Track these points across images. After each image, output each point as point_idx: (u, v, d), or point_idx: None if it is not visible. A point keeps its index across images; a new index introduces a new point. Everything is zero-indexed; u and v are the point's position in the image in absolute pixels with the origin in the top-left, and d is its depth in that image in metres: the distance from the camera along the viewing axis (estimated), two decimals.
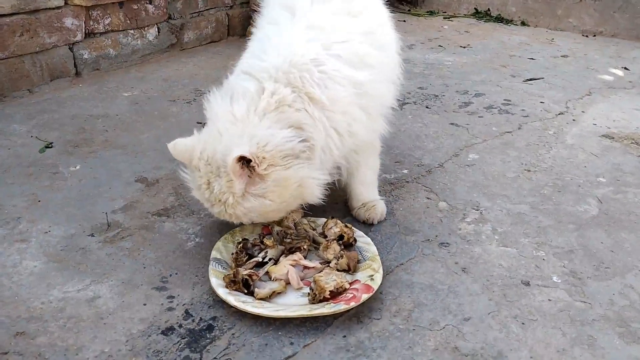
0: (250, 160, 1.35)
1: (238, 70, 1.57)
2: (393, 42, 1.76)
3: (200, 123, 2.39)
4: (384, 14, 1.80)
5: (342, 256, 1.48)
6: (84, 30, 2.82)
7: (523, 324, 1.35)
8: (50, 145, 2.17)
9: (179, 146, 1.49)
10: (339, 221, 1.61)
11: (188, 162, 1.49)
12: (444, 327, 1.34)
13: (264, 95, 1.44)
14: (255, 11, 2.01)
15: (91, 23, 2.85)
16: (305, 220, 1.67)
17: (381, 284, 1.41)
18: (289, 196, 1.44)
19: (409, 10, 4.55)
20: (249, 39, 1.77)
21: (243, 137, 1.38)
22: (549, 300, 1.43)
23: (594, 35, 3.94)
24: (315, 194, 1.48)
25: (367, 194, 1.75)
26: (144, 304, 1.39)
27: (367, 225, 1.71)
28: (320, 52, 1.50)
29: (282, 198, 1.43)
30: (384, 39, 1.70)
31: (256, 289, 1.39)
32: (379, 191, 1.81)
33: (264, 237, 1.56)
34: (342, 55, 1.51)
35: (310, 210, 1.62)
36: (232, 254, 1.50)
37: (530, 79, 3.01)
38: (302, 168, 1.43)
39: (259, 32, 1.67)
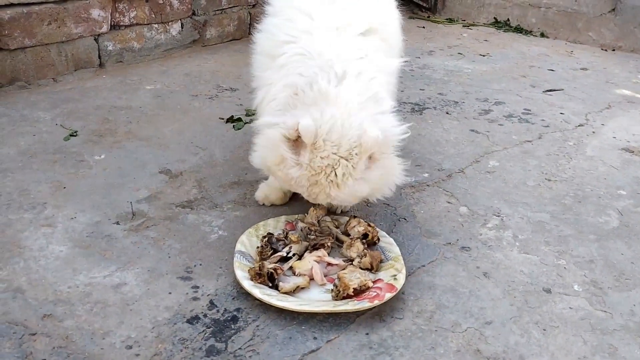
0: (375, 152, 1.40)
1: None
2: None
3: (222, 119, 2.41)
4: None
5: (365, 255, 1.49)
6: (109, 22, 2.85)
7: (544, 330, 1.36)
8: (75, 134, 2.19)
9: (303, 124, 1.37)
10: (362, 220, 1.62)
11: (309, 141, 1.38)
12: (466, 330, 1.35)
13: (364, 79, 1.48)
14: None
15: (117, 15, 2.87)
16: (328, 218, 1.68)
17: (403, 284, 1.42)
18: (382, 183, 1.49)
19: (428, 17, 4.56)
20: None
21: (373, 122, 1.40)
22: (570, 308, 1.44)
23: (613, 50, 3.94)
24: (396, 182, 1.54)
25: None
26: (169, 293, 1.40)
27: (388, 225, 1.72)
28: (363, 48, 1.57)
29: (378, 184, 1.47)
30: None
31: (280, 283, 1.41)
32: (398, 193, 1.85)
33: (288, 233, 1.57)
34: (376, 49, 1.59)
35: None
36: (257, 247, 1.52)
37: (550, 90, 3.02)
38: (394, 157, 1.51)
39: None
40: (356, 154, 1.38)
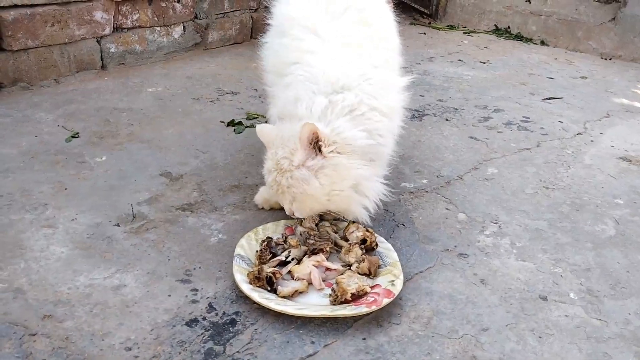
0: (319, 142, 1.45)
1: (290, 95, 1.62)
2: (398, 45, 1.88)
3: (223, 122, 2.43)
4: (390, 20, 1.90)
5: (363, 260, 1.51)
6: (112, 25, 2.86)
7: (540, 337, 1.37)
8: (76, 135, 2.20)
9: (265, 129, 1.60)
10: (360, 225, 1.64)
11: (269, 144, 1.59)
12: (462, 336, 1.36)
13: (336, 100, 1.53)
14: None
15: (120, 18, 2.89)
16: (327, 223, 1.69)
17: (401, 290, 1.43)
18: (339, 190, 1.51)
19: (429, 23, 4.59)
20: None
21: (321, 124, 1.49)
22: (566, 315, 1.45)
23: (610, 59, 3.96)
24: (365, 203, 1.56)
25: None
26: (169, 295, 1.42)
27: (387, 231, 1.73)
28: (364, 66, 1.61)
29: (332, 187, 1.50)
30: (394, 42, 1.84)
31: (279, 287, 1.42)
32: (397, 199, 1.87)
33: (287, 237, 1.59)
34: (377, 65, 1.57)
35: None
36: (256, 251, 1.53)
37: (550, 98, 3.04)
38: (364, 168, 1.51)
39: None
40: (294, 148, 1.49)
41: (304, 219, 1.64)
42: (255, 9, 3.62)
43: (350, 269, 1.50)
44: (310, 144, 1.47)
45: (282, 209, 1.80)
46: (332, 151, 1.48)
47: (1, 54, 2.49)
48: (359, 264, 1.50)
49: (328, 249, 1.56)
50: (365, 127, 1.53)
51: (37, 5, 2.54)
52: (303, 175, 1.49)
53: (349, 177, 1.50)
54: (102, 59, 2.88)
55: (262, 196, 1.82)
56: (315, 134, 1.45)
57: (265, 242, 1.54)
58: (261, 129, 1.61)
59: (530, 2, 4.29)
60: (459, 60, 3.66)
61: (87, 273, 1.47)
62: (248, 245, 1.57)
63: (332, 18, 1.70)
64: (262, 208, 1.81)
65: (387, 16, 1.87)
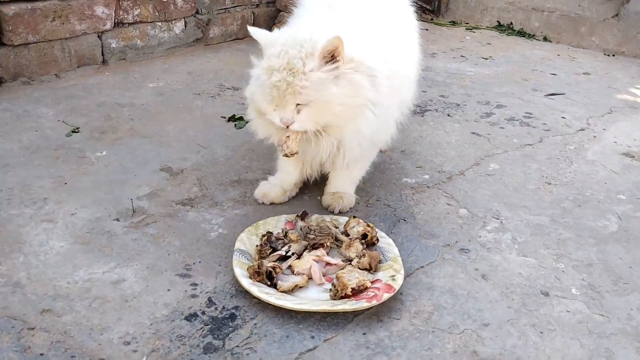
0: (337, 57, 1.46)
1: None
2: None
3: (224, 117, 2.42)
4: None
5: (364, 255, 1.50)
6: (113, 20, 2.86)
7: (542, 333, 1.36)
8: (77, 130, 2.20)
9: (261, 31, 1.58)
10: (361, 220, 1.63)
11: (271, 42, 1.53)
12: (463, 331, 1.35)
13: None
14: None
15: (121, 13, 2.88)
16: (327, 218, 1.69)
17: (401, 285, 1.43)
18: (348, 105, 1.52)
19: (432, 19, 4.57)
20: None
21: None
22: (568, 311, 1.44)
23: (614, 55, 3.94)
24: (366, 125, 1.56)
25: (344, 186, 1.81)
26: (168, 290, 1.41)
27: (388, 226, 1.72)
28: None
29: (343, 99, 1.50)
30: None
31: (279, 282, 1.41)
32: (399, 194, 1.87)
33: (287, 232, 1.58)
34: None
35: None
36: (256, 246, 1.52)
37: (552, 94, 3.02)
38: (371, 92, 1.54)
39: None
40: (309, 52, 1.47)
41: (307, 216, 1.64)
42: (257, 5, 3.61)
43: (350, 263, 1.49)
44: (329, 55, 1.46)
45: (282, 203, 1.80)
46: (349, 68, 1.50)
47: (2, 49, 2.49)
48: (360, 258, 1.49)
49: (328, 243, 1.55)
50: (381, 57, 1.58)
51: (37, 0, 2.54)
52: (322, 79, 1.47)
53: (360, 96, 1.52)
54: (103, 54, 2.87)
55: (261, 190, 1.81)
56: (339, 49, 1.45)
57: (266, 237, 1.54)
58: (256, 30, 1.59)
59: None
60: (462, 56, 3.64)
61: (87, 267, 1.47)
62: (248, 240, 1.56)
63: None
64: (262, 202, 1.80)
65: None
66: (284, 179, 1.82)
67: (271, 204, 1.80)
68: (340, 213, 1.75)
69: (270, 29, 3.58)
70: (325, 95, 1.48)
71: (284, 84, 1.47)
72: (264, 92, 1.51)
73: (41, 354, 1.20)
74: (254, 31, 1.58)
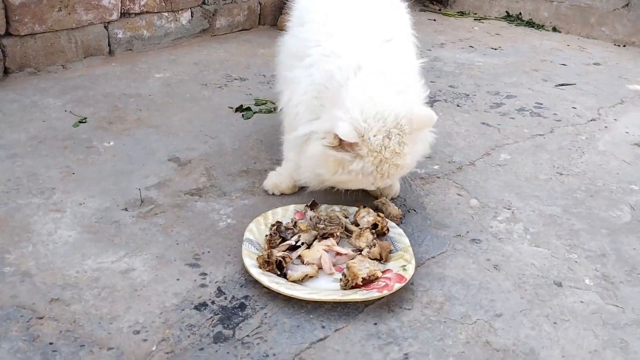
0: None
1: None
2: None
3: (232, 108, 2.40)
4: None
5: (374, 245, 1.48)
6: (120, 10, 2.83)
7: (555, 323, 1.35)
8: (84, 121, 2.19)
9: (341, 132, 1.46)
10: (371, 210, 1.61)
11: (356, 139, 1.47)
12: (475, 322, 1.33)
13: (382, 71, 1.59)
14: (287, 1, 2.02)
15: (127, 3, 2.86)
16: (337, 208, 1.67)
17: (412, 275, 1.41)
18: (423, 153, 1.68)
19: (440, 9, 4.53)
20: (280, 30, 1.90)
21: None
22: (581, 302, 1.42)
23: (624, 45, 3.90)
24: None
25: None
26: (177, 279, 1.40)
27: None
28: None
29: (420, 153, 1.65)
30: None
31: (289, 272, 1.40)
32: (408, 185, 1.85)
33: (297, 222, 1.56)
34: None
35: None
36: (266, 235, 1.51)
37: (562, 84, 2.99)
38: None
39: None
40: (405, 126, 1.49)
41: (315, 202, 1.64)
42: None
43: (361, 253, 1.48)
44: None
45: (292, 194, 1.78)
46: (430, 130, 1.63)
47: (8, 39, 2.47)
48: (370, 248, 1.48)
49: (338, 233, 1.54)
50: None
51: None
52: (416, 149, 1.57)
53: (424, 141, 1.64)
54: (109, 45, 2.85)
55: (272, 181, 1.79)
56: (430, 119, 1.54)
57: (275, 227, 1.52)
58: (347, 130, 1.45)
59: None
60: (470, 46, 3.61)
61: (95, 257, 1.46)
62: (257, 230, 1.55)
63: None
64: (272, 193, 1.79)
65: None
66: (292, 169, 1.80)
67: (281, 194, 1.78)
68: (392, 199, 1.77)
69: (276, 19, 3.58)
70: (415, 159, 1.61)
71: (391, 169, 1.52)
72: (367, 172, 1.51)
73: (50, 343, 1.19)
74: (345, 135, 1.45)
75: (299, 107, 1.64)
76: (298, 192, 1.80)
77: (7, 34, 2.47)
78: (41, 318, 1.25)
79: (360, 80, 1.54)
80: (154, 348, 1.19)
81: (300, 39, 1.73)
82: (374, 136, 1.47)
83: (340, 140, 1.46)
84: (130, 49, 2.95)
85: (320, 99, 1.59)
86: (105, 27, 2.81)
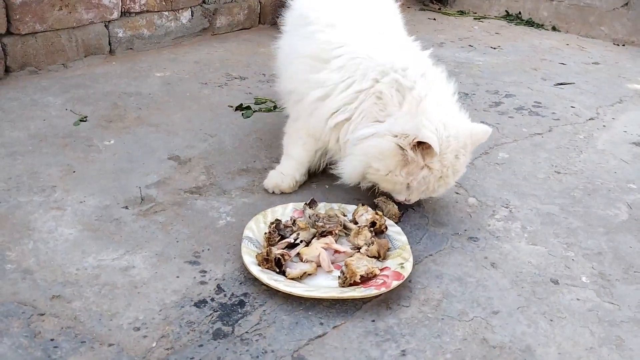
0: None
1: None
2: None
3: (231, 107, 2.41)
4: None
5: (372, 243, 1.49)
6: (120, 9, 2.85)
7: (551, 320, 1.36)
8: (84, 119, 2.20)
9: (429, 138, 1.51)
10: (369, 208, 1.62)
11: (439, 149, 1.54)
12: (472, 319, 1.34)
13: (429, 78, 1.68)
14: (287, 0, 2.03)
15: (128, 2, 2.87)
16: (335, 206, 1.68)
17: (410, 273, 1.42)
18: None
19: (439, 9, 4.54)
20: (279, 28, 1.99)
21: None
22: (578, 299, 1.43)
23: (623, 45, 3.91)
24: None
25: None
26: (177, 277, 1.41)
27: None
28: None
29: None
30: None
31: (288, 269, 1.41)
32: None
33: (296, 220, 1.57)
34: None
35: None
36: (265, 233, 1.52)
37: (561, 83, 3.00)
38: None
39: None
40: (468, 146, 1.61)
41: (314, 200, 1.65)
42: None
43: (359, 251, 1.49)
44: None
45: (291, 193, 1.79)
46: None
47: (9, 38, 2.48)
48: (368, 246, 1.49)
49: (337, 231, 1.55)
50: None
51: None
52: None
53: None
54: (110, 44, 2.87)
55: (273, 180, 1.80)
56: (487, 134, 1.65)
57: (274, 224, 1.53)
58: (432, 137, 1.52)
59: None
60: (470, 45, 3.62)
61: (96, 254, 1.47)
62: (257, 228, 1.56)
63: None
64: (273, 192, 1.80)
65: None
66: (295, 168, 1.81)
67: (281, 193, 1.79)
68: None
69: (276, 18, 3.58)
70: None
71: (442, 187, 1.62)
72: (427, 181, 1.58)
73: (51, 339, 1.20)
74: (432, 142, 1.50)
75: (346, 111, 1.65)
76: (297, 190, 1.82)
77: (8, 32, 2.48)
78: (42, 314, 1.26)
79: (432, 89, 1.60)
80: (154, 344, 1.21)
81: (322, 41, 1.72)
82: (448, 154, 1.56)
83: (416, 145, 1.52)
84: (131, 48, 2.96)
85: (381, 104, 1.61)
86: (105, 26, 2.82)
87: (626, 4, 3.93)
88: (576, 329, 1.34)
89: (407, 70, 1.62)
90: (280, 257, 1.41)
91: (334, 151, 1.74)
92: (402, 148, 1.54)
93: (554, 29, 4.17)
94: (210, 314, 1.30)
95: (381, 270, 1.43)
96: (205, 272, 1.43)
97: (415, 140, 1.51)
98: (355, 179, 1.66)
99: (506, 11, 4.41)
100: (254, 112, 2.38)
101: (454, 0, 4.59)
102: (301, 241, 1.50)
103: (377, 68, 1.62)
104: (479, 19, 4.35)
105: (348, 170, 1.65)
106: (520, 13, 4.36)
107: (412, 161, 1.54)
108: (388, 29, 1.81)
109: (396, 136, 1.54)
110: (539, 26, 4.22)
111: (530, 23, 4.27)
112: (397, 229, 1.60)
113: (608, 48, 3.80)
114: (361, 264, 1.40)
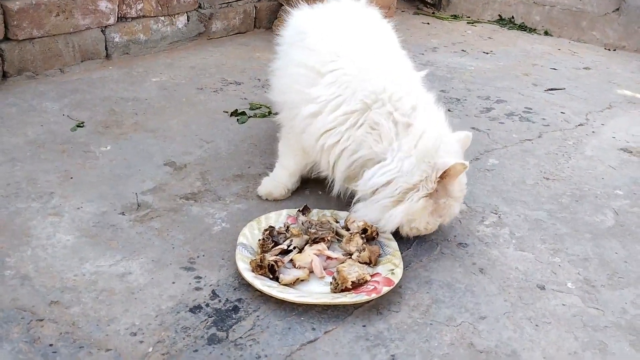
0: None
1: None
2: None
3: (227, 112, 2.45)
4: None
5: (364, 249, 1.53)
6: (116, 14, 2.87)
7: (537, 325, 1.40)
8: (81, 125, 2.23)
9: (453, 164, 1.52)
10: None
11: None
12: (460, 324, 1.38)
13: (423, 106, 1.69)
14: (282, 5, 2.06)
15: (124, 7, 2.90)
16: (328, 213, 1.72)
17: (400, 278, 1.46)
18: None
19: (433, 13, 4.58)
20: (276, 33, 1.97)
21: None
22: (563, 305, 1.48)
23: (614, 50, 3.96)
24: None
25: None
26: (173, 282, 1.45)
27: None
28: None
29: None
30: None
31: (281, 275, 1.45)
32: None
33: (289, 226, 1.61)
34: None
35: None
36: (259, 240, 1.55)
37: (552, 89, 3.04)
38: None
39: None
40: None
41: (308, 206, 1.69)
42: None
43: (351, 257, 1.52)
44: None
45: (286, 199, 1.83)
46: None
47: (7, 44, 2.51)
48: (360, 252, 1.53)
49: (329, 238, 1.59)
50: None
51: None
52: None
53: None
54: (106, 49, 2.89)
55: (265, 188, 1.84)
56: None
57: (268, 231, 1.57)
58: (454, 166, 1.53)
59: None
60: (463, 50, 3.66)
61: (93, 260, 1.50)
62: (251, 234, 1.59)
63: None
64: (266, 199, 1.83)
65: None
66: (287, 177, 1.84)
67: (274, 200, 1.83)
68: None
69: (271, 23, 3.62)
70: None
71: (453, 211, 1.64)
72: (449, 213, 1.62)
73: (50, 345, 1.23)
74: (447, 162, 1.52)
75: (336, 134, 1.63)
76: (291, 197, 1.85)
77: (6, 38, 2.50)
78: (41, 320, 1.30)
79: (429, 123, 1.60)
80: (150, 349, 1.24)
81: (317, 51, 1.71)
82: (463, 178, 1.61)
83: (439, 180, 1.53)
84: (127, 53, 2.99)
85: (377, 135, 1.59)
86: (102, 31, 2.85)
87: (617, 9, 3.98)
88: (561, 334, 1.38)
89: (400, 101, 1.60)
90: (274, 263, 1.45)
91: (324, 169, 1.72)
92: (430, 196, 1.54)
93: (546, 33, 4.22)
94: (205, 320, 1.33)
95: (372, 276, 1.47)
96: (200, 278, 1.47)
97: (438, 176, 1.52)
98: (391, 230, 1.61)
99: (499, 15, 4.46)
100: (248, 117, 2.41)
101: (448, 5, 4.64)
102: (294, 248, 1.54)
103: (367, 89, 1.60)
104: (473, 23, 4.39)
105: (375, 221, 1.60)
106: (513, 17, 4.40)
107: (442, 202, 1.57)
108: (383, 45, 1.81)
109: (418, 188, 1.54)
110: (532, 30, 4.27)
111: (523, 27, 4.32)
112: (388, 235, 1.63)
113: (599, 53, 3.85)
114: (352, 270, 1.44)
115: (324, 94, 1.64)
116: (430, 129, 1.58)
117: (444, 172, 1.51)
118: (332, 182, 1.73)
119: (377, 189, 1.57)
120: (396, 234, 1.63)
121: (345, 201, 1.82)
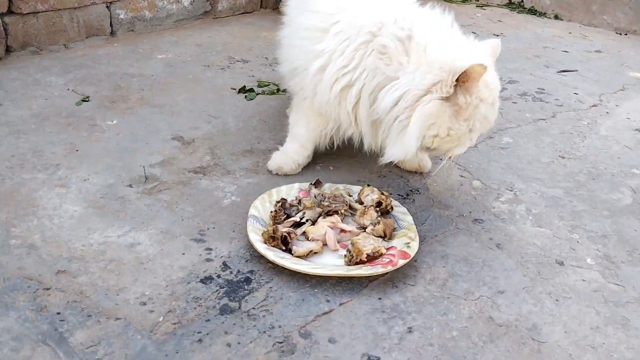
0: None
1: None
2: None
3: (234, 89, 2.40)
4: None
5: (378, 222, 1.49)
6: None
7: (557, 300, 1.36)
8: (87, 99, 2.18)
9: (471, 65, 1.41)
10: (375, 189, 1.62)
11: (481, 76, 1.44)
12: (478, 298, 1.35)
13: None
14: None
15: None
16: (341, 187, 1.68)
17: (416, 252, 1.42)
18: None
19: None
20: (281, 12, 1.93)
21: None
22: (583, 280, 1.44)
23: (626, 34, 3.90)
24: None
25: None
26: (183, 254, 1.41)
27: (404, 194, 1.71)
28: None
29: None
30: None
31: (294, 247, 1.41)
32: None
33: (301, 199, 1.57)
34: None
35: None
36: (271, 212, 1.51)
37: (564, 70, 2.99)
38: None
39: None
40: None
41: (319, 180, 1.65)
42: None
43: (365, 231, 1.49)
44: None
45: (296, 174, 1.78)
46: None
47: (11, 17, 2.46)
48: (374, 226, 1.49)
49: (342, 211, 1.55)
50: None
51: None
52: None
53: None
54: (111, 25, 2.84)
55: (275, 162, 1.79)
56: None
57: (280, 203, 1.53)
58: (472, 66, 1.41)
59: None
60: (472, 32, 3.58)
61: (101, 231, 1.46)
62: (262, 207, 1.55)
63: None
64: (276, 174, 1.79)
65: None
66: (298, 151, 1.80)
67: (285, 175, 1.79)
68: (430, 173, 1.86)
69: (278, 2, 3.56)
70: None
71: (495, 108, 1.57)
72: (480, 122, 1.51)
73: (57, 313, 1.20)
74: (464, 64, 1.41)
75: (349, 72, 1.57)
76: (302, 172, 1.81)
77: (10, 12, 2.45)
78: (48, 289, 1.26)
79: (431, 33, 1.54)
80: (160, 319, 1.20)
81: (321, 11, 1.67)
82: (491, 79, 1.51)
83: (457, 86, 1.42)
84: (132, 30, 2.94)
85: (387, 58, 1.52)
86: (107, 7, 2.80)
87: None
88: (582, 309, 1.34)
89: (405, 20, 1.54)
90: (287, 235, 1.41)
91: (345, 125, 1.66)
92: (446, 99, 1.44)
93: (556, 17, 4.16)
94: (217, 290, 1.30)
95: (387, 249, 1.43)
96: (210, 249, 1.43)
97: (453, 79, 1.41)
98: (413, 153, 1.53)
99: None
100: (257, 94, 2.36)
101: None
102: (307, 220, 1.50)
103: (371, 20, 1.56)
104: (482, 6, 4.33)
105: (401, 150, 1.51)
106: (522, 1, 4.34)
107: (464, 103, 1.44)
108: None
109: (430, 91, 1.44)
110: (542, 14, 4.20)
111: (532, 11, 4.25)
112: (403, 209, 1.59)
113: (610, 37, 3.79)
114: (368, 243, 1.40)
115: (330, 44, 1.59)
116: (434, 37, 1.52)
117: (463, 76, 1.41)
118: (359, 138, 1.67)
119: (392, 107, 1.50)
120: (410, 212, 1.58)
121: (358, 177, 1.78)
